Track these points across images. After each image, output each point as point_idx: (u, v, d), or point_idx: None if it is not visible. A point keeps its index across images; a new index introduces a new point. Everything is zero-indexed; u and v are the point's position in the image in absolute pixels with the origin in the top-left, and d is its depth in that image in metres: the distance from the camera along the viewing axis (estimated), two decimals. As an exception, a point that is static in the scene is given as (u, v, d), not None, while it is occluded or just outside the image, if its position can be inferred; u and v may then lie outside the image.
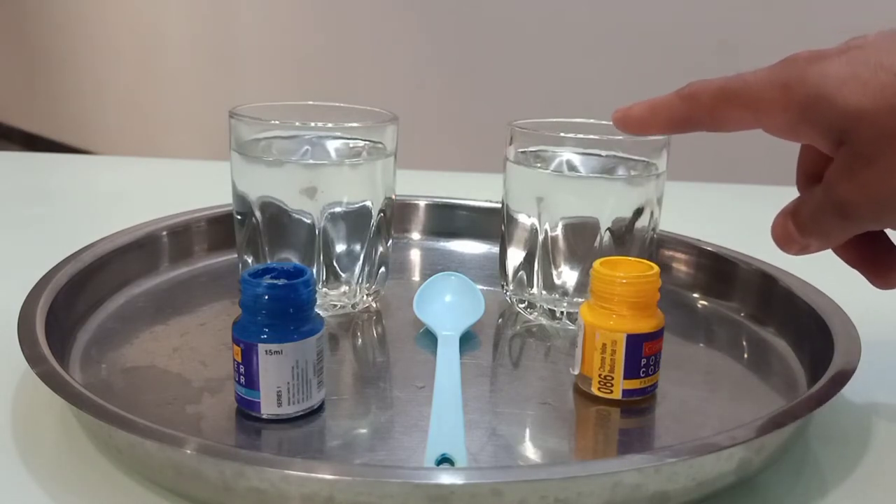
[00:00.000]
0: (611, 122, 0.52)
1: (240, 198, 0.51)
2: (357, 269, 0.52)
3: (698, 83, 0.40)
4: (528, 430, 0.41)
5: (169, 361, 0.45)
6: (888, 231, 0.41)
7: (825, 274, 0.54)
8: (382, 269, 0.53)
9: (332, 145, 0.52)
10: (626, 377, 0.42)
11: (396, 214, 0.57)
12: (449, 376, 0.43)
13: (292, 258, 0.50)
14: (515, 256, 0.52)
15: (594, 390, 0.42)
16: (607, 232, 0.50)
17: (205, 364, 0.45)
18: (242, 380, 0.39)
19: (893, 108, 0.34)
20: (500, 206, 0.54)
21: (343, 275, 0.51)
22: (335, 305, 0.52)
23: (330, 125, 0.51)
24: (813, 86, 0.36)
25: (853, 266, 0.42)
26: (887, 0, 1.40)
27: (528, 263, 0.52)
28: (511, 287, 0.53)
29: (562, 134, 0.51)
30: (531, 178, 0.51)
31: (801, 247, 0.40)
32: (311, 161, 0.51)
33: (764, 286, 0.54)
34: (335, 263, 0.51)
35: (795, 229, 0.40)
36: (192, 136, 3.27)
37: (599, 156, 0.51)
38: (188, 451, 0.32)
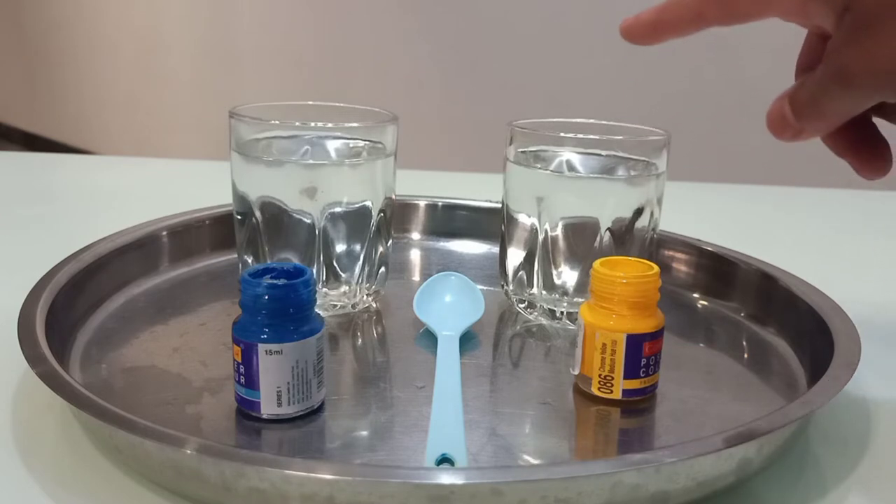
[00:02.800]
0: (611, 123, 0.52)
1: (240, 198, 0.51)
2: (357, 269, 0.52)
3: None
4: (528, 430, 0.41)
5: (169, 361, 0.45)
6: (879, 124, 0.41)
7: (825, 274, 0.54)
8: (382, 269, 0.53)
9: (332, 145, 0.52)
10: (626, 377, 0.42)
11: (396, 214, 0.57)
12: (449, 376, 0.43)
13: (292, 258, 0.50)
14: (515, 256, 0.52)
15: (594, 390, 0.42)
16: (607, 232, 0.50)
17: (205, 364, 0.45)
18: (242, 380, 0.39)
19: None
20: (500, 206, 0.54)
21: (343, 275, 0.51)
22: (335, 305, 0.52)
23: (330, 125, 0.51)
24: None
25: (842, 155, 0.41)
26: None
27: (528, 263, 0.52)
28: (511, 287, 0.53)
29: (562, 134, 0.51)
30: (531, 178, 0.51)
31: (796, 131, 0.39)
32: (311, 161, 0.51)
33: (764, 286, 0.54)
34: (335, 263, 0.51)
35: (791, 112, 0.39)
36: (192, 136, 3.27)
37: (599, 156, 0.52)
38: (188, 451, 0.32)
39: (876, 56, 0.35)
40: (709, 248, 0.59)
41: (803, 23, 0.40)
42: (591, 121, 0.52)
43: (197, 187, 0.79)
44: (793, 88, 0.40)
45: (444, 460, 0.35)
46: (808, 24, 0.40)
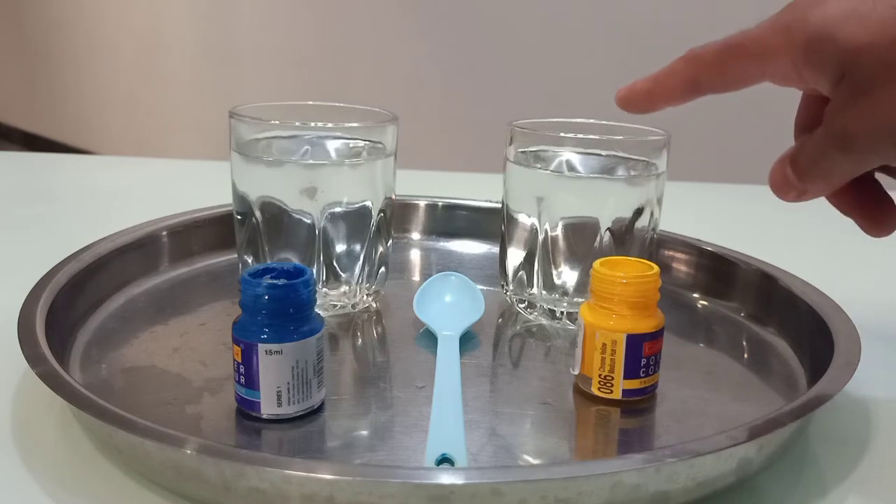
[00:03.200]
0: (611, 123, 0.52)
1: (240, 198, 0.51)
2: (357, 269, 0.52)
3: (699, 46, 0.40)
4: (528, 430, 0.41)
5: (169, 361, 0.45)
6: (883, 181, 0.41)
7: (825, 274, 0.54)
8: (382, 269, 0.53)
9: (332, 145, 0.52)
10: (626, 377, 0.42)
11: (396, 214, 0.57)
12: (449, 376, 0.43)
13: (292, 258, 0.50)
14: (515, 256, 0.52)
15: (594, 390, 0.42)
16: (607, 232, 0.50)
17: (205, 364, 0.45)
18: (242, 380, 0.39)
19: (892, 39, 0.34)
20: (500, 206, 0.54)
21: (343, 275, 0.51)
22: (335, 305, 0.52)
23: (330, 125, 0.51)
24: (814, 26, 0.36)
25: (847, 213, 0.42)
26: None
27: (528, 263, 0.52)
28: (511, 287, 0.53)
29: (562, 134, 0.51)
30: (531, 178, 0.51)
31: (799, 192, 0.40)
32: (311, 161, 0.51)
33: (764, 286, 0.54)
34: (335, 263, 0.51)
35: (794, 174, 0.39)
36: (192, 136, 3.27)
37: (599, 156, 0.52)
38: (188, 451, 0.32)
39: (875, 119, 0.35)
40: (709, 248, 0.59)
41: (799, 87, 0.40)
42: (591, 121, 0.52)
43: (197, 187, 0.79)
44: (793, 150, 0.40)
45: (444, 460, 0.35)
46: (804, 87, 0.40)
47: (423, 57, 2.47)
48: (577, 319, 0.44)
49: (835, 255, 0.72)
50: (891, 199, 0.41)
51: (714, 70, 0.40)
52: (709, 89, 0.41)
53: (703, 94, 0.41)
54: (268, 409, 0.39)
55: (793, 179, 0.39)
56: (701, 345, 0.52)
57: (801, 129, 0.42)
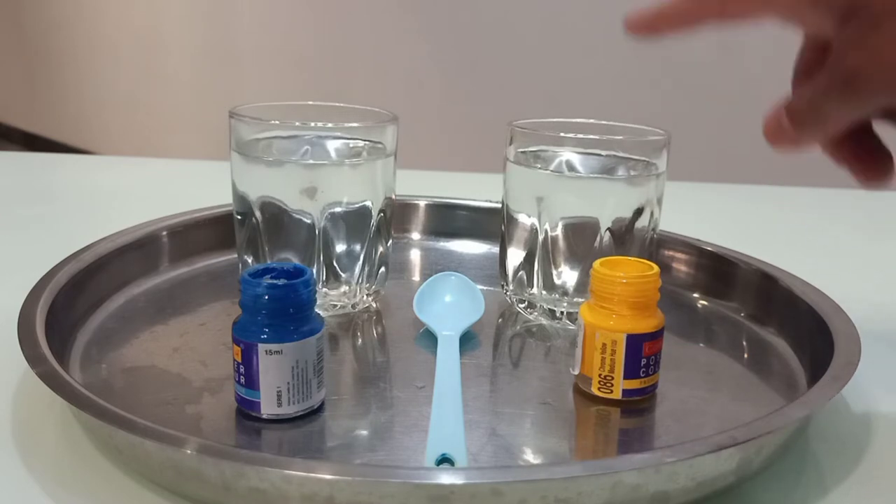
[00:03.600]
0: (611, 122, 0.52)
1: (240, 198, 0.51)
2: (357, 269, 0.52)
3: None
4: (528, 430, 0.41)
5: (169, 361, 0.45)
6: (881, 132, 0.41)
7: (825, 274, 0.54)
8: (382, 269, 0.53)
9: (332, 145, 0.52)
10: (626, 377, 0.42)
11: (396, 214, 0.57)
12: (449, 376, 0.43)
13: (292, 258, 0.50)
14: (515, 256, 0.52)
15: (594, 390, 0.42)
16: (607, 232, 0.50)
17: (205, 364, 0.45)
18: (242, 380, 0.39)
19: None
20: (500, 206, 0.54)
21: (343, 275, 0.51)
22: (335, 305, 0.52)
23: (330, 125, 0.51)
24: None
25: (842, 164, 0.41)
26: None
27: (528, 263, 0.52)
28: (511, 287, 0.53)
29: (562, 134, 0.51)
30: (531, 178, 0.51)
31: (793, 141, 0.39)
32: (311, 161, 0.51)
33: (764, 286, 0.54)
34: (335, 263, 0.51)
35: (790, 121, 0.39)
36: (192, 136, 3.27)
37: (599, 156, 0.52)
38: (188, 451, 0.32)
39: (885, 55, 0.35)
40: (709, 248, 0.59)
41: (801, 26, 0.40)
42: (591, 121, 0.52)
43: (197, 187, 0.79)
44: (790, 98, 0.40)
45: (444, 460, 0.35)
46: (807, 27, 0.40)
47: (423, 57, 2.47)
48: (577, 319, 0.44)
49: (835, 255, 0.72)
50: (889, 152, 0.40)
51: (716, 1, 0.40)
52: (711, 18, 0.40)
53: (706, 23, 0.41)
54: (268, 409, 0.39)
55: (788, 127, 0.39)
56: (701, 345, 0.52)
57: (798, 78, 0.42)
